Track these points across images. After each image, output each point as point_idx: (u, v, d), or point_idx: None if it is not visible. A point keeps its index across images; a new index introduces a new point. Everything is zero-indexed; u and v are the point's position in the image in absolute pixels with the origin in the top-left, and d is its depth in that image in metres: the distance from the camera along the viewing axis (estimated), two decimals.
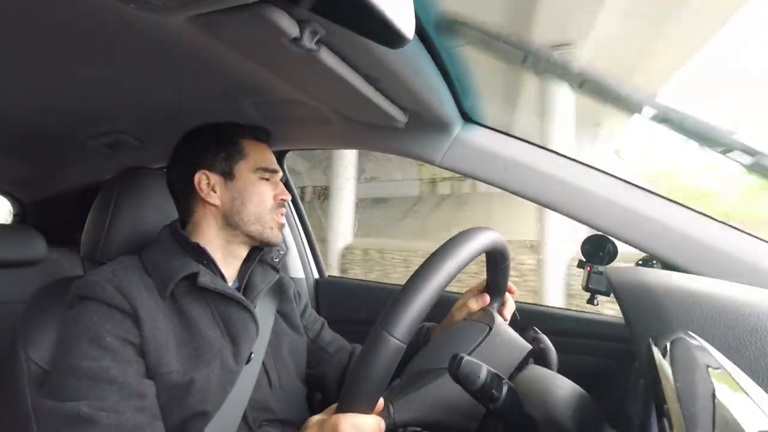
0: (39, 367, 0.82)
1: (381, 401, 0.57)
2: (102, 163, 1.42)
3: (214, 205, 0.92)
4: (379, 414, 0.58)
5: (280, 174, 0.99)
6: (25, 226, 1.82)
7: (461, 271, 0.59)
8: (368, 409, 0.53)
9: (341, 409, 0.54)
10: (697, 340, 0.41)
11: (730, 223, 0.86)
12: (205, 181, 0.92)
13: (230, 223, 0.92)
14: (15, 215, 1.95)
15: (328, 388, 1.04)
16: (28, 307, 0.91)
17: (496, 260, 0.78)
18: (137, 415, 0.73)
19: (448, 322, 0.94)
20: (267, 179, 0.96)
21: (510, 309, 0.91)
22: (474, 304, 0.88)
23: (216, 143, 0.95)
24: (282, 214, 0.96)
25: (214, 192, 0.92)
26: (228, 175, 0.93)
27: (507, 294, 0.90)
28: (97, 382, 0.73)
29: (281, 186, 0.98)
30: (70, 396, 0.72)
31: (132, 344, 0.78)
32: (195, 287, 0.84)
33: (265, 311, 0.95)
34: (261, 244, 0.96)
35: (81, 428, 0.69)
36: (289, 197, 0.98)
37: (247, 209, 0.92)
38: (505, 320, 0.88)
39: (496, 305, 0.86)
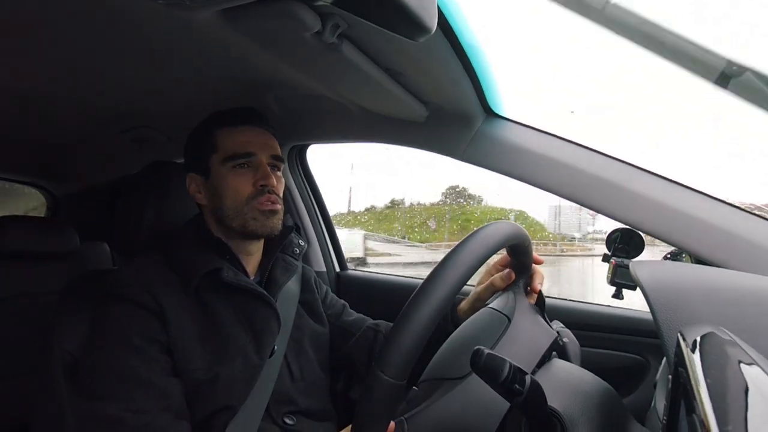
0: (71, 356, 0.85)
1: (392, 425, 0.57)
2: (130, 157, 1.45)
3: (205, 205, 0.93)
4: None
5: (264, 154, 0.91)
6: (58, 220, 1.88)
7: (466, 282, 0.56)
8: None
9: None
10: (728, 335, 0.40)
11: (763, 215, 0.83)
12: (193, 183, 0.93)
13: (218, 220, 0.91)
14: (48, 209, 2.01)
15: (357, 367, 1.04)
16: (61, 298, 0.94)
17: (515, 247, 0.76)
18: (163, 416, 0.75)
19: (475, 298, 0.89)
20: (243, 165, 0.89)
21: (539, 280, 0.83)
22: (500, 282, 0.83)
23: (194, 143, 0.94)
24: (266, 201, 0.88)
25: (200, 193, 0.93)
26: (206, 172, 0.91)
27: (534, 266, 0.82)
28: (125, 381, 0.75)
29: (263, 169, 0.90)
30: (99, 395, 0.75)
31: (158, 342, 0.80)
32: (218, 282, 0.85)
33: (287, 304, 0.96)
34: (252, 237, 0.91)
35: (110, 428, 0.72)
36: (271, 182, 0.89)
37: (225, 204, 0.89)
38: (536, 292, 0.82)
39: (521, 282, 0.82)
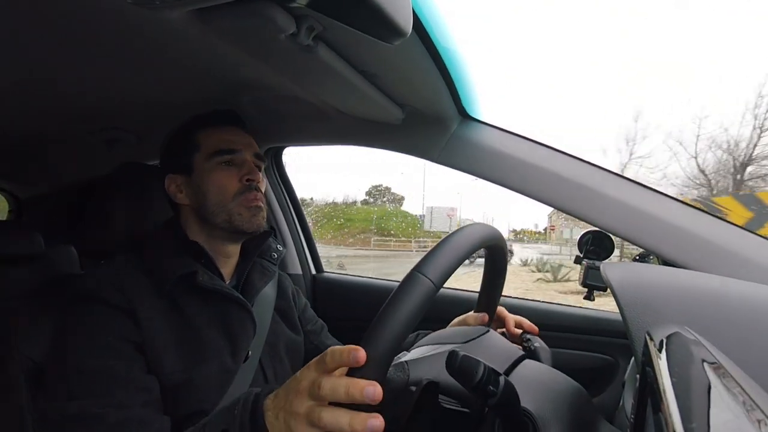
0: (35, 364, 0.82)
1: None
2: (99, 158, 1.41)
3: (186, 205, 0.91)
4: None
5: (248, 152, 0.92)
6: (22, 222, 1.82)
7: (488, 245, 0.68)
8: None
9: (364, 346, 0.49)
10: (693, 335, 0.41)
11: (727, 219, 0.86)
12: (173, 184, 0.92)
13: (201, 218, 0.90)
14: (11, 211, 1.94)
15: None
16: (25, 303, 0.90)
17: (495, 271, 0.80)
18: (144, 410, 0.73)
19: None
20: (227, 162, 0.90)
21: (512, 324, 0.92)
22: (472, 321, 0.88)
23: (175, 144, 0.94)
24: (252, 198, 0.89)
25: (181, 192, 0.92)
26: (188, 171, 0.91)
27: (511, 318, 0.93)
28: (103, 379, 0.73)
29: (248, 166, 0.91)
30: (76, 395, 0.72)
31: (133, 342, 0.78)
32: (193, 286, 0.84)
33: (263, 309, 0.95)
34: (237, 234, 0.91)
35: (90, 426, 0.69)
36: (257, 177, 0.90)
37: (209, 200, 0.88)
38: (514, 334, 0.91)
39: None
